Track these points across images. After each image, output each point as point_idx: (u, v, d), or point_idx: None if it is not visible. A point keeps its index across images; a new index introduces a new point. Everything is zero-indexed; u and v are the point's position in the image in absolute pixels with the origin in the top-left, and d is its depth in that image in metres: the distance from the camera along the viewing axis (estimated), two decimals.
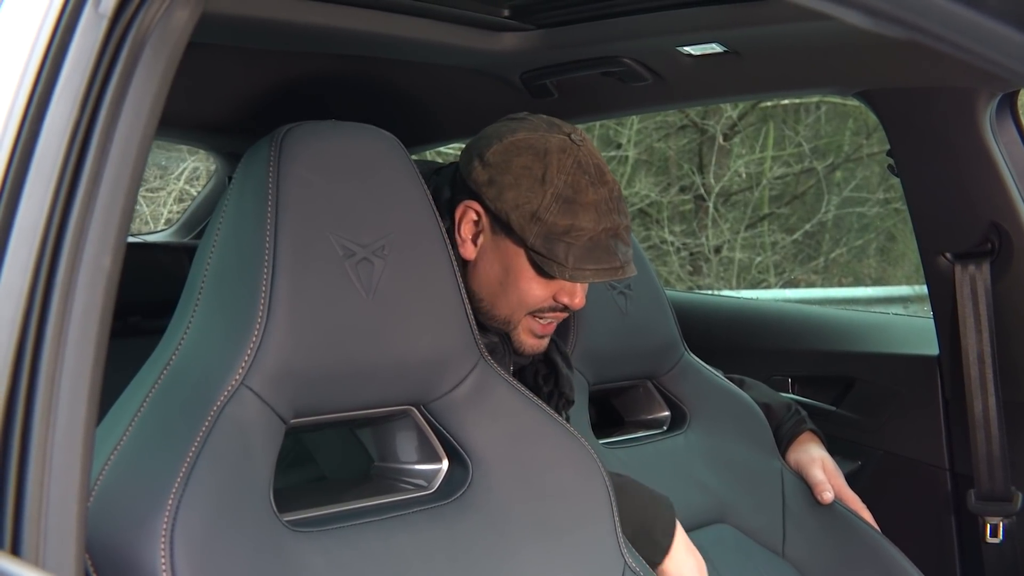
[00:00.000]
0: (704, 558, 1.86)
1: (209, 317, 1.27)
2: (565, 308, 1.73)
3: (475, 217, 1.69)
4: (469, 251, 1.71)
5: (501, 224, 1.67)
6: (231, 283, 1.27)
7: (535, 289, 1.70)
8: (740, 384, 2.19)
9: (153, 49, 1.01)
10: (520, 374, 1.80)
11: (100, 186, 0.98)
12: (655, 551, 1.69)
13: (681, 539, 1.72)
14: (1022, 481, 2.18)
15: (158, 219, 7.20)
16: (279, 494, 1.25)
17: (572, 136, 1.70)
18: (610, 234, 1.67)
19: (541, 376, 1.80)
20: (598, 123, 8.01)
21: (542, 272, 1.68)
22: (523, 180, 1.65)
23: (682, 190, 8.84)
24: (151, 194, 7.32)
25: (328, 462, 1.59)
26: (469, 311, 1.43)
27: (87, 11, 1.00)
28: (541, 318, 1.73)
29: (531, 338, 1.75)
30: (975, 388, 2.17)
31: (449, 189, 1.73)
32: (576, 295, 1.72)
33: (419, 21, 2.00)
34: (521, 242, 1.66)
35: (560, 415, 1.74)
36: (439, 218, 1.42)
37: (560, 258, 1.64)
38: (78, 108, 0.98)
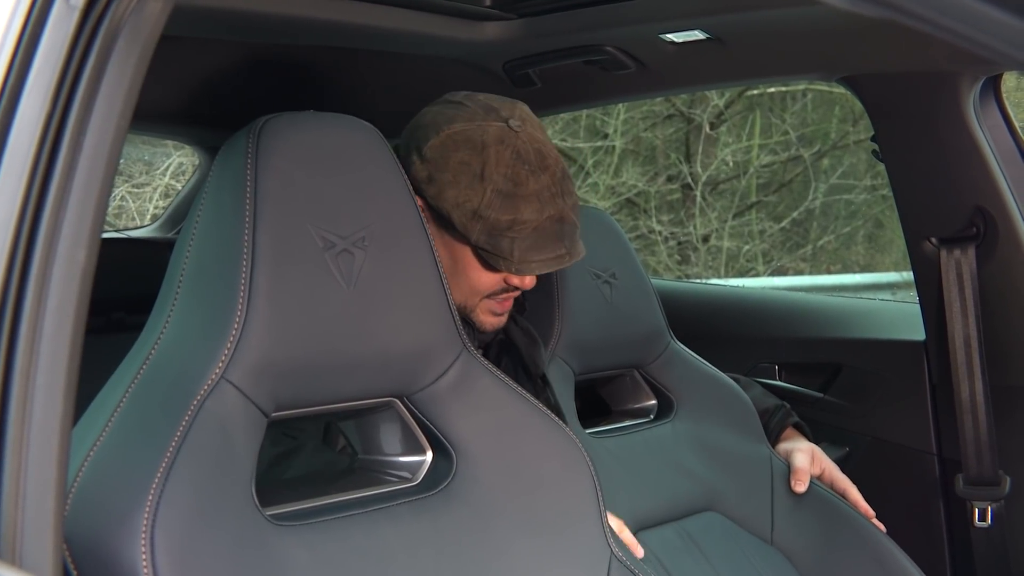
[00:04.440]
0: (693, 545, 1.86)
1: (188, 311, 1.26)
2: (517, 287, 1.75)
3: None
4: None
5: (443, 220, 1.67)
6: (210, 277, 1.26)
7: (484, 278, 1.71)
8: (735, 383, 2.18)
9: (125, 41, 1.00)
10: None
11: (73, 180, 0.97)
12: None
13: None
14: (1010, 465, 2.18)
15: (144, 214, 7.18)
16: (261, 488, 1.24)
17: (510, 122, 1.68)
18: (555, 220, 1.67)
19: (504, 360, 1.82)
20: (584, 113, 8.01)
21: (488, 266, 1.69)
22: (462, 177, 1.64)
23: (669, 179, 8.83)
24: (137, 190, 7.30)
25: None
26: (451, 301, 1.42)
27: (58, 3, 0.99)
28: (496, 299, 1.75)
29: (491, 316, 1.77)
30: (962, 373, 2.17)
31: None
32: (526, 278, 1.73)
33: (400, 11, 1.99)
34: (464, 239, 1.67)
35: (539, 397, 1.73)
36: (418, 207, 1.41)
37: (505, 253, 1.65)
38: (50, 101, 0.97)
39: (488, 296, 1.74)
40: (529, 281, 1.73)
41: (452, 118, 1.68)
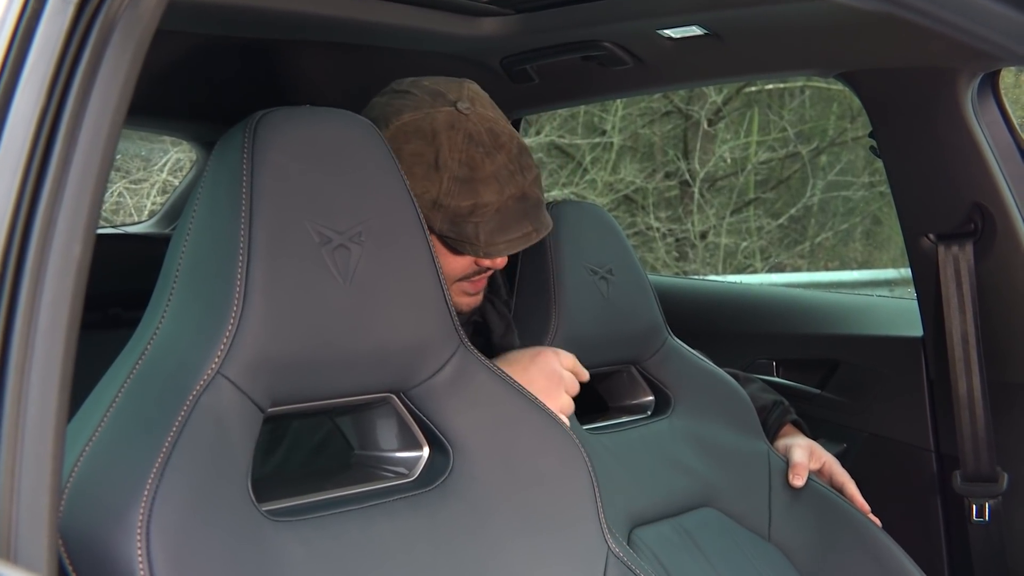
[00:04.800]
0: (690, 542, 1.86)
1: (184, 306, 1.26)
2: (489, 268, 1.75)
3: None
4: None
5: None
6: (206, 271, 1.26)
7: (454, 263, 1.71)
8: (734, 379, 2.18)
9: (121, 35, 1.00)
10: None
11: (69, 174, 0.97)
12: None
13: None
14: (1007, 461, 2.18)
15: (141, 210, 7.17)
16: (258, 484, 1.24)
17: (459, 105, 1.67)
18: (517, 198, 1.67)
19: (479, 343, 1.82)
20: (582, 109, 8.00)
21: (456, 252, 1.69)
22: (416, 169, 1.63)
23: (667, 176, 8.83)
24: (134, 186, 7.29)
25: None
26: (448, 296, 1.42)
27: None
28: (469, 280, 1.75)
29: (465, 297, 1.77)
30: (959, 369, 2.17)
31: None
32: (496, 259, 1.72)
33: (397, 7, 1.98)
34: (429, 229, 1.65)
35: None
36: (415, 202, 1.41)
37: (470, 237, 1.65)
38: (45, 95, 0.97)
39: (461, 279, 1.73)
40: (500, 261, 1.73)
41: (400, 109, 1.67)
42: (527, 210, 1.68)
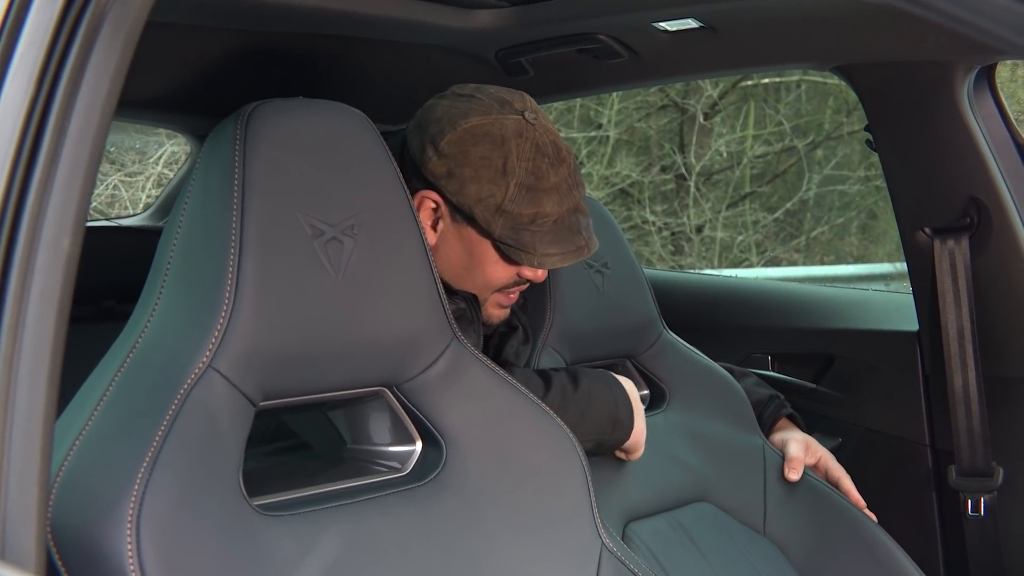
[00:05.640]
0: (685, 536, 1.86)
1: (175, 299, 1.25)
2: (528, 280, 1.76)
3: (433, 205, 1.69)
4: (430, 237, 1.70)
5: (464, 215, 1.66)
6: (197, 264, 1.25)
7: (500, 272, 1.72)
8: (729, 373, 2.17)
9: (111, 25, 0.99)
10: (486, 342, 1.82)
11: (58, 166, 0.96)
12: (623, 433, 1.76)
13: (639, 413, 1.80)
14: (1002, 456, 2.18)
15: (137, 203, 7.16)
16: (249, 478, 1.23)
17: (526, 115, 1.68)
18: (572, 212, 1.69)
19: (512, 352, 1.84)
20: (578, 103, 7.99)
21: (509, 260, 1.69)
22: (483, 172, 1.64)
23: (663, 170, 8.82)
24: (129, 179, 7.28)
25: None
26: (441, 289, 1.41)
27: None
28: (505, 292, 1.76)
29: (498, 310, 1.78)
30: (955, 363, 2.17)
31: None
32: (539, 271, 1.74)
33: None
34: (487, 234, 1.66)
35: None
36: (408, 196, 1.40)
37: (527, 247, 1.66)
38: (34, 86, 0.96)
39: (498, 290, 1.74)
40: (542, 274, 1.74)
41: (467, 112, 1.68)
42: (580, 224, 1.70)
